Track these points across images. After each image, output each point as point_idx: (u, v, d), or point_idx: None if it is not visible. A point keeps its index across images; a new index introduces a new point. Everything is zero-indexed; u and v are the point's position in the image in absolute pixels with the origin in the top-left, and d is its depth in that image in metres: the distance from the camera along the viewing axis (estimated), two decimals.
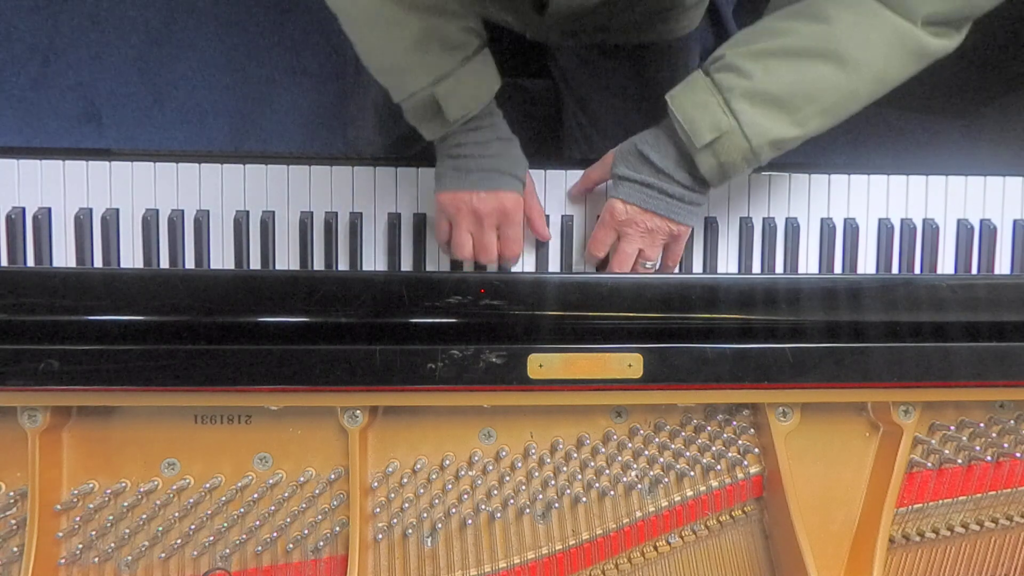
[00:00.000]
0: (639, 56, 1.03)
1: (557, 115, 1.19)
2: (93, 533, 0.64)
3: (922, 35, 0.74)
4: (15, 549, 0.63)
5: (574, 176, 0.92)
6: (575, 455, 0.67)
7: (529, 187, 0.88)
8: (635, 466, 0.68)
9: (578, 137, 1.13)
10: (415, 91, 0.80)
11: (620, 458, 0.68)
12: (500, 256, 0.88)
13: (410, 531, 0.66)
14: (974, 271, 0.94)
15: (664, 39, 1.02)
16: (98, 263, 0.89)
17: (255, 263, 0.90)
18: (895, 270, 0.94)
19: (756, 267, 0.94)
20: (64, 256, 0.89)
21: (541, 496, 0.67)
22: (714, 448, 0.68)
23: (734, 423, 0.68)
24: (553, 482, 0.67)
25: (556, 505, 0.67)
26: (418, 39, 0.77)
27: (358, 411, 0.64)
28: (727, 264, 0.94)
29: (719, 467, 0.68)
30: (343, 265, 0.91)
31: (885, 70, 0.76)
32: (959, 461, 0.69)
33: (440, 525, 0.66)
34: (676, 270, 0.90)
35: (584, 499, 0.67)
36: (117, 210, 0.89)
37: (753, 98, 0.76)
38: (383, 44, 0.80)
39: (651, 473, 0.68)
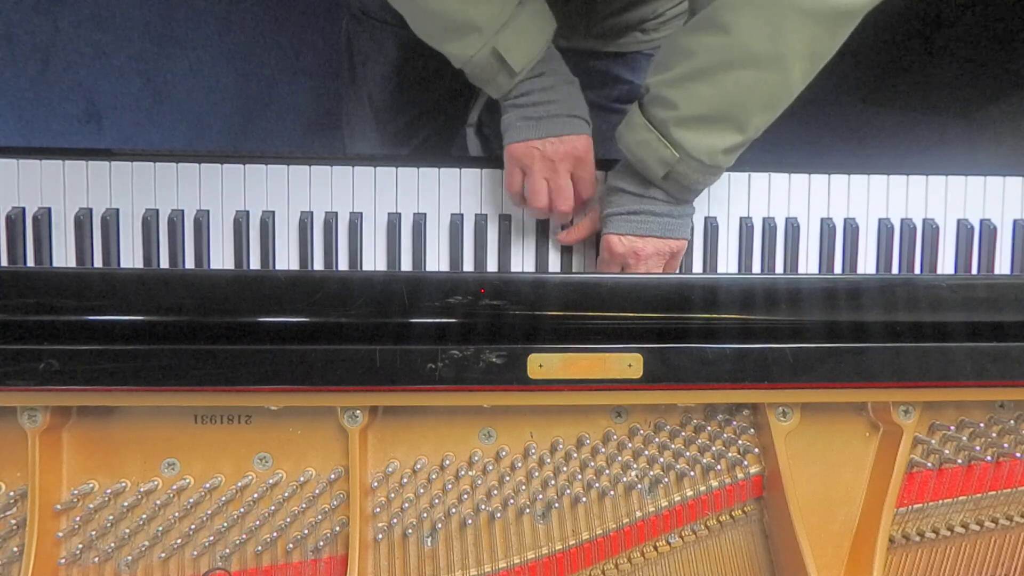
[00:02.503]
0: (615, 65, 1.04)
1: None
2: (93, 533, 0.64)
3: (835, 1, 0.72)
4: (15, 549, 0.63)
5: None
6: (575, 455, 0.67)
7: (590, 134, 0.88)
8: (635, 466, 0.68)
9: None
10: (477, 48, 0.78)
11: (620, 458, 0.68)
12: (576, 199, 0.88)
13: (410, 531, 0.66)
14: (974, 271, 0.94)
15: (644, 49, 1.03)
16: (98, 263, 0.89)
17: (255, 263, 0.90)
18: (895, 270, 0.94)
19: (756, 267, 0.94)
20: (64, 256, 0.89)
21: (541, 496, 0.67)
22: (714, 448, 0.68)
23: (734, 423, 0.68)
24: (553, 482, 0.67)
25: (556, 505, 0.67)
26: None
27: (358, 411, 0.64)
28: (727, 264, 0.94)
29: (719, 467, 0.68)
30: (343, 265, 0.91)
31: (809, 50, 0.74)
32: (959, 461, 0.69)
33: (440, 525, 0.66)
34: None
35: (584, 499, 0.67)
36: (117, 210, 0.89)
37: (687, 124, 0.77)
38: (435, 6, 0.78)
39: (651, 473, 0.68)
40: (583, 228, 0.90)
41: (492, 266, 0.93)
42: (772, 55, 0.74)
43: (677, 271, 0.88)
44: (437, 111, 1.12)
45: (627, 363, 0.61)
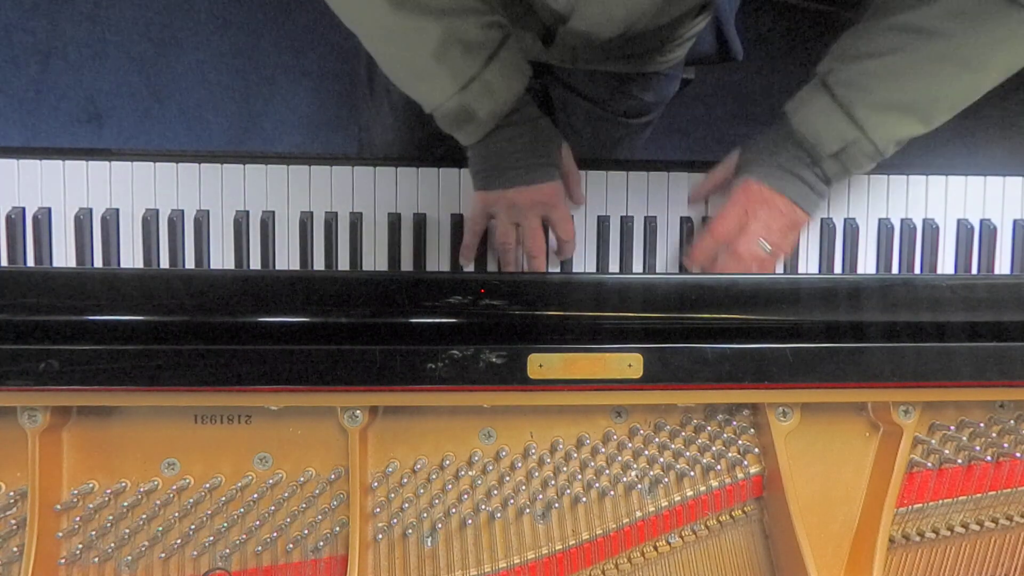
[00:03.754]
0: (629, 83, 1.04)
1: (550, 112, 1.19)
2: (93, 533, 0.64)
3: None
4: (15, 549, 0.63)
5: None
6: (575, 455, 0.67)
7: (566, 152, 0.87)
8: (635, 466, 0.68)
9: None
10: (443, 100, 0.78)
11: (620, 458, 0.68)
12: (556, 242, 0.88)
13: (410, 531, 0.66)
14: (974, 271, 0.94)
15: (660, 69, 1.03)
16: (98, 263, 0.89)
17: (255, 263, 0.90)
18: (895, 270, 0.94)
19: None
20: (64, 256, 0.89)
21: (541, 496, 0.67)
22: (714, 448, 0.68)
23: (734, 423, 0.68)
24: (553, 482, 0.67)
25: (556, 505, 0.67)
26: (438, 45, 0.75)
27: (358, 411, 0.64)
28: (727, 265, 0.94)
29: (719, 467, 0.68)
30: (343, 265, 0.91)
31: (1012, 62, 0.76)
32: (959, 461, 0.69)
33: (440, 525, 0.66)
34: (779, 267, 0.89)
35: (584, 499, 0.67)
36: (117, 210, 0.89)
37: (877, 107, 0.77)
38: (403, 55, 0.78)
39: (651, 473, 0.68)
40: (712, 180, 0.90)
41: (492, 266, 0.93)
42: (984, 61, 0.75)
43: (792, 246, 0.87)
44: None
45: (627, 363, 0.61)
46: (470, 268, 0.91)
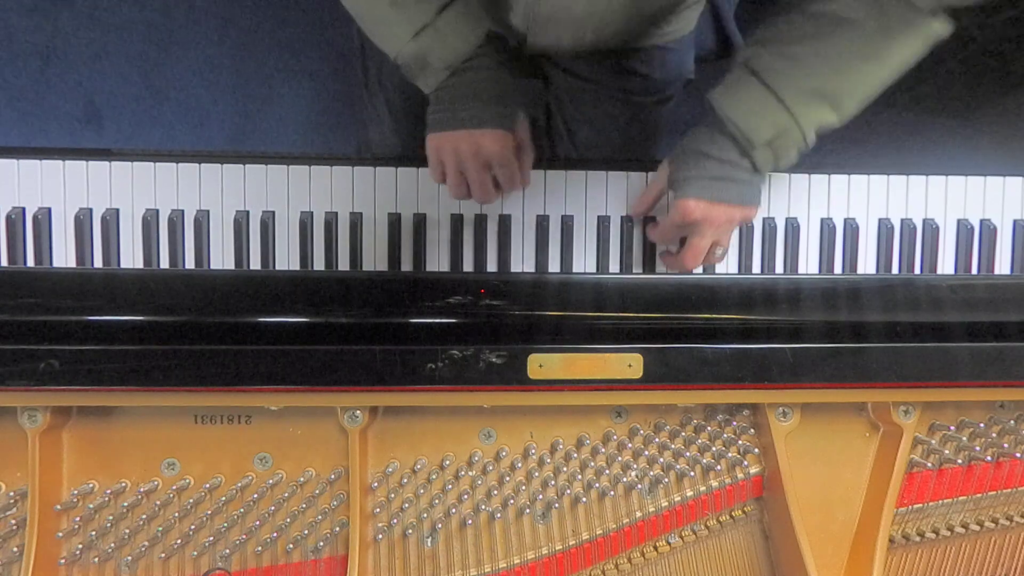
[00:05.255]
0: (629, 59, 1.03)
1: (549, 114, 1.19)
2: (93, 533, 0.64)
3: (934, 22, 0.76)
4: (15, 549, 0.63)
5: (574, 176, 0.92)
6: (575, 455, 0.67)
7: (523, 126, 0.87)
8: (635, 466, 0.68)
9: (563, 134, 1.13)
10: (399, 47, 0.80)
11: (620, 458, 0.68)
12: (503, 191, 0.88)
13: (410, 531, 0.66)
14: (974, 271, 0.94)
15: (659, 42, 1.02)
16: (98, 263, 0.88)
17: (255, 263, 0.90)
18: (895, 270, 0.94)
19: (756, 267, 0.94)
20: (64, 256, 0.89)
21: (541, 496, 0.67)
22: (714, 448, 0.68)
23: (734, 423, 0.68)
24: (553, 482, 0.67)
25: (556, 505, 0.67)
26: None
27: (358, 411, 0.64)
28: (727, 264, 0.94)
29: (719, 467, 0.68)
30: (343, 265, 0.91)
31: (906, 58, 0.78)
32: (959, 461, 0.69)
33: (440, 525, 0.66)
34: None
35: (584, 499, 0.67)
36: (117, 210, 0.89)
37: (803, 93, 0.78)
38: (363, 4, 0.81)
39: (651, 473, 0.68)
40: (650, 197, 0.90)
41: (492, 266, 0.92)
42: (888, 54, 0.77)
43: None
44: None
45: (627, 363, 0.61)
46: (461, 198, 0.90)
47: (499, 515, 0.67)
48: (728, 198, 0.82)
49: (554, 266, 0.93)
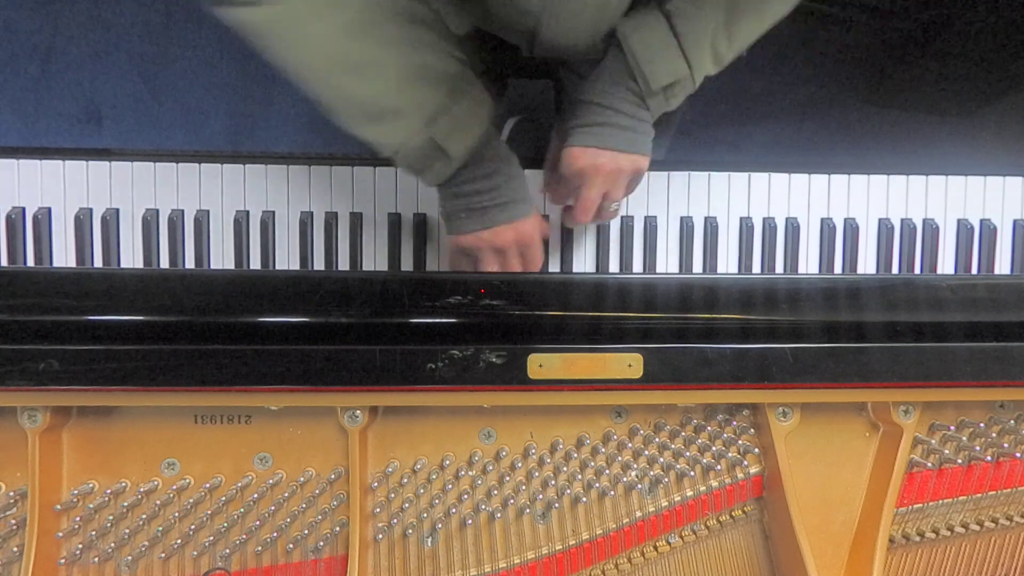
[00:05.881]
0: None
1: (557, 115, 1.19)
2: (93, 533, 0.64)
3: None
4: (15, 549, 0.63)
5: None
6: (575, 455, 0.67)
7: (535, 212, 0.85)
8: (635, 466, 0.68)
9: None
10: (408, 136, 0.73)
11: (620, 458, 0.68)
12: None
13: (410, 531, 0.66)
14: (974, 271, 0.94)
15: None
16: (98, 263, 0.89)
17: (255, 263, 0.90)
18: (895, 270, 0.94)
19: (756, 267, 0.94)
20: (64, 256, 0.89)
21: (541, 496, 0.67)
22: (714, 448, 0.68)
23: (734, 423, 0.68)
24: (553, 482, 0.67)
25: (556, 505, 0.67)
26: (402, 78, 0.71)
27: (358, 411, 0.64)
28: (727, 264, 0.94)
29: (719, 467, 0.68)
30: (343, 265, 0.91)
31: (781, 13, 0.79)
32: (959, 461, 0.69)
33: (440, 525, 0.66)
34: (619, 208, 0.89)
35: (584, 499, 0.67)
36: (117, 210, 0.89)
37: (701, 44, 0.77)
38: (361, 92, 0.72)
39: (651, 473, 0.68)
40: (552, 161, 0.88)
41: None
42: (765, 10, 0.77)
43: (634, 188, 0.87)
44: None
45: (627, 363, 0.61)
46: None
47: (499, 515, 0.67)
48: (614, 144, 0.80)
49: (554, 266, 0.93)
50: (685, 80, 0.78)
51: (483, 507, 0.67)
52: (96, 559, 0.64)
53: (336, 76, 0.71)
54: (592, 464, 0.67)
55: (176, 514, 0.64)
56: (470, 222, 0.80)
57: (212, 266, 0.90)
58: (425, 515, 0.66)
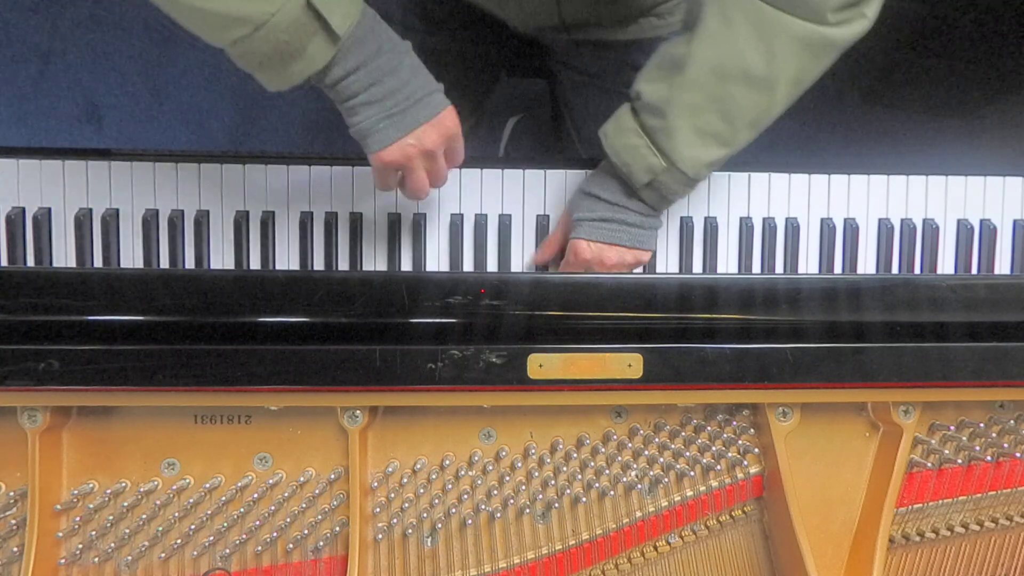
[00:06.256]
0: (631, 52, 1.03)
1: (556, 115, 1.19)
2: (93, 533, 0.64)
3: (827, 31, 0.72)
4: (15, 549, 0.63)
5: (574, 176, 0.92)
6: (575, 455, 0.67)
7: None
8: (635, 466, 0.68)
9: (572, 135, 1.13)
10: (278, 7, 0.61)
11: (620, 458, 0.68)
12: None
13: (410, 531, 0.66)
14: (974, 271, 0.94)
15: (662, 34, 1.02)
16: (98, 263, 0.89)
17: (255, 263, 0.90)
18: (895, 270, 0.94)
19: (756, 267, 0.94)
20: (64, 256, 0.89)
21: (541, 496, 0.67)
22: (714, 448, 0.68)
23: (734, 423, 0.68)
24: (553, 482, 0.67)
25: (556, 505, 0.67)
26: None
27: (358, 411, 0.64)
28: (727, 264, 0.94)
29: (719, 467, 0.68)
30: (343, 265, 0.91)
31: (797, 76, 0.75)
32: (959, 461, 0.69)
33: (440, 525, 0.66)
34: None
35: (584, 499, 0.67)
36: (117, 210, 0.89)
37: (677, 135, 0.76)
38: None
39: (651, 473, 0.68)
40: (555, 241, 0.89)
41: (492, 266, 0.93)
42: (763, 75, 0.74)
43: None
44: (468, 113, 1.12)
45: (627, 363, 0.61)
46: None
47: (499, 515, 0.67)
48: (618, 240, 0.83)
49: (554, 266, 0.93)
50: (669, 171, 0.77)
51: (483, 507, 0.67)
52: (96, 559, 0.64)
53: None
54: (592, 464, 0.67)
55: (176, 514, 0.64)
56: (392, 130, 0.71)
57: (212, 266, 0.90)
58: (425, 515, 0.66)
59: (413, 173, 0.76)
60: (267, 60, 0.64)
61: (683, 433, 0.68)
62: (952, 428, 0.68)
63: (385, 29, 0.71)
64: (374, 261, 0.92)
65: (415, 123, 0.72)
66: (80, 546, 0.64)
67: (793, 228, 0.93)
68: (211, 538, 0.65)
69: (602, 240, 0.83)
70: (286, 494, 0.65)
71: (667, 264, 0.94)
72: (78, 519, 0.64)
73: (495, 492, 0.67)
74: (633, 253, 0.84)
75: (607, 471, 0.67)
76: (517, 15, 0.96)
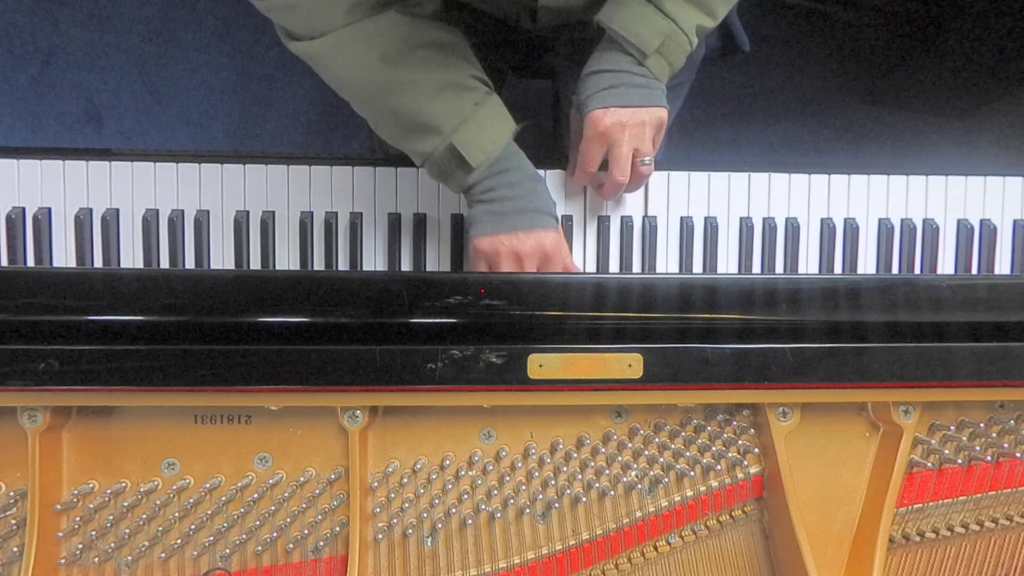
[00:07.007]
0: None
1: (557, 116, 1.19)
2: (93, 533, 0.64)
3: None
4: (15, 549, 0.63)
5: None
6: (575, 455, 0.67)
7: (559, 228, 0.88)
8: (635, 466, 0.68)
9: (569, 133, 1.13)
10: (435, 146, 0.80)
11: (620, 458, 0.68)
12: None
13: (410, 531, 0.66)
14: (974, 271, 0.94)
15: None
16: (98, 263, 0.89)
17: (255, 263, 0.90)
18: (895, 270, 0.94)
19: (756, 267, 0.94)
20: (64, 256, 0.89)
21: (541, 496, 0.67)
22: (714, 448, 0.68)
23: (734, 423, 0.68)
24: (553, 482, 0.67)
25: (556, 505, 0.67)
26: (430, 95, 0.79)
27: (358, 411, 0.64)
28: (727, 264, 0.94)
29: (719, 467, 0.68)
30: (343, 265, 0.91)
31: None
32: (959, 461, 0.69)
33: (440, 525, 0.66)
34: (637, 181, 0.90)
35: (584, 499, 0.67)
36: (117, 210, 0.89)
37: (677, 1, 0.82)
38: (397, 108, 0.81)
39: (651, 473, 0.68)
40: (575, 149, 0.90)
41: None
42: None
43: (660, 141, 0.88)
44: None
45: (627, 363, 0.61)
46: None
47: (499, 515, 0.67)
48: (631, 100, 0.84)
49: None
50: (674, 34, 0.82)
51: (483, 507, 0.67)
52: (96, 559, 0.64)
53: (376, 96, 0.82)
54: (592, 464, 0.67)
55: (176, 514, 0.64)
56: (490, 224, 0.83)
57: (212, 266, 0.90)
58: (425, 515, 0.66)
59: (499, 270, 0.85)
60: (434, 175, 0.84)
61: (683, 433, 0.68)
62: (952, 428, 0.68)
63: (522, 163, 0.85)
64: (374, 261, 0.92)
65: (513, 227, 0.83)
66: (80, 546, 0.64)
67: (793, 228, 0.93)
68: (211, 538, 0.65)
69: (615, 104, 0.84)
70: (286, 494, 0.65)
71: (667, 264, 0.94)
72: (78, 519, 0.64)
73: (495, 492, 0.67)
74: (648, 111, 0.85)
75: (607, 471, 0.67)
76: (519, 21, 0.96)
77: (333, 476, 0.65)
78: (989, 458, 0.69)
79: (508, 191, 0.83)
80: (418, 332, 0.62)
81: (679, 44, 0.83)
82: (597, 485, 0.67)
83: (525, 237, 0.83)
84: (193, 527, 0.64)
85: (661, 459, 0.68)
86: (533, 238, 0.83)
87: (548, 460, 0.67)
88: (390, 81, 0.80)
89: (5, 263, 0.88)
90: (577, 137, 0.89)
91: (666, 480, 0.68)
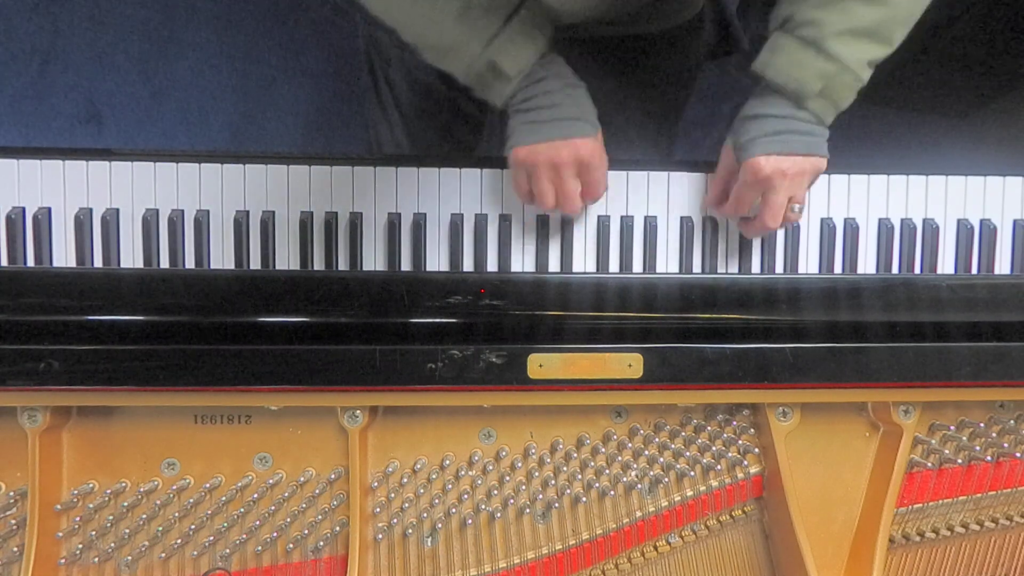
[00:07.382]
0: (638, 47, 1.03)
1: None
2: (93, 533, 0.64)
3: None
4: (15, 549, 0.63)
5: None
6: (575, 455, 0.67)
7: (599, 136, 0.87)
8: (635, 466, 0.68)
9: None
10: (472, 60, 0.80)
11: (620, 458, 0.68)
12: (584, 200, 0.88)
13: (410, 531, 0.66)
14: (974, 271, 0.94)
15: (662, 28, 1.02)
16: (98, 263, 0.88)
17: (255, 263, 0.90)
18: (895, 270, 0.94)
19: (756, 267, 0.94)
20: (64, 256, 0.89)
21: (541, 496, 0.67)
22: (714, 448, 0.68)
23: (734, 423, 0.68)
24: (553, 482, 0.67)
25: (556, 505, 0.67)
26: (460, 9, 0.79)
27: (358, 411, 0.64)
28: (727, 264, 0.94)
29: (719, 467, 0.68)
30: (343, 265, 0.91)
31: None
32: (959, 461, 0.69)
33: (440, 525, 0.66)
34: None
35: (584, 499, 0.67)
36: (117, 210, 0.89)
37: (842, 37, 0.79)
38: (430, 24, 0.81)
39: (651, 473, 0.68)
40: (720, 180, 0.90)
41: (492, 266, 0.92)
42: None
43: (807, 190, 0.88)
44: (465, 116, 1.13)
45: (627, 363, 0.61)
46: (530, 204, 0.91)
47: (499, 515, 0.67)
48: (794, 148, 0.83)
49: (554, 266, 0.93)
50: (838, 75, 0.80)
51: (483, 507, 0.67)
52: (96, 559, 0.64)
53: (407, 15, 0.82)
54: (592, 464, 0.67)
55: (176, 514, 0.64)
56: (528, 134, 0.82)
57: (212, 266, 0.90)
58: (425, 515, 0.66)
59: (538, 180, 0.84)
60: (477, 91, 0.83)
61: (683, 433, 0.68)
62: (952, 428, 0.68)
63: (562, 70, 0.84)
64: (374, 261, 0.92)
65: (549, 136, 0.82)
66: (80, 546, 0.64)
67: (793, 228, 0.93)
68: (211, 538, 0.65)
69: (778, 152, 0.83)
70: (286, 494, 0.65)
71: (667, 264, 0.94)
72: (78, 519, 0.64)
73: (495, 492, 0.67)
74: (810, 161, 0.84)
75: (607, 471, 0.67)
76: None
77: (333, 476, 0.65)
78: (989, 458, 0.69)
79: (545, 99, 0.82)
80: (418, 332, 0.62)
81: (845, 84, 0.81)
82: (597, 485, 0.67)
83: (562, 146, 0.82)
84: (193, 527, 0.64)
85: (661, 459, 0.68)
86: (569, 147, 0.82)
87: (548, 460, 0.67)
88: (421, 4, 0.79)
89: (5, 263, 0.88)
90: (726, 171, 0.89)
91: (666, 480, 0.68)
